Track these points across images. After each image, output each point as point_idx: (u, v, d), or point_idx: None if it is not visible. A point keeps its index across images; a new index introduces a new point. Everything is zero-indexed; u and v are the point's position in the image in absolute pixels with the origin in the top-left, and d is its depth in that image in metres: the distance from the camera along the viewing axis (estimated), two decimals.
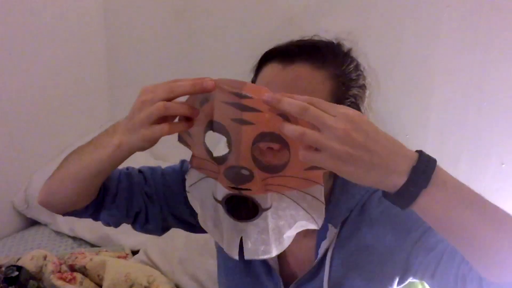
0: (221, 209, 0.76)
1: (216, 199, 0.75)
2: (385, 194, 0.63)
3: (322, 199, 0.70)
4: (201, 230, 1.00)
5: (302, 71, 0.78)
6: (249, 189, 0.70)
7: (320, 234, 0.90)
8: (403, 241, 0.83)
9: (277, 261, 0.93)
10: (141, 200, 0.91)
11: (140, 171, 0.95)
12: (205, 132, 0.71)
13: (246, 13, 1.91)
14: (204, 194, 0.78)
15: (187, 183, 0.80)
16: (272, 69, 0.81)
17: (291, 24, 1.81)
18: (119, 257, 1.76)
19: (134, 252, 1.84)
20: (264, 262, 0.93)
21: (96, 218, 0.91)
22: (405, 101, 1.61)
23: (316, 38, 0.87)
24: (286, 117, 0.63)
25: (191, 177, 0.79)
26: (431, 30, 1.54)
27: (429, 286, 0.86)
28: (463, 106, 1.52)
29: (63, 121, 2.21)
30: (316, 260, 0.89)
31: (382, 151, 0.59)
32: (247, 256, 0.78)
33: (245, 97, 0.63)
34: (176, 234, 1.69)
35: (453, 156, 1.56)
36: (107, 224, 0.91)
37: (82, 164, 0.79)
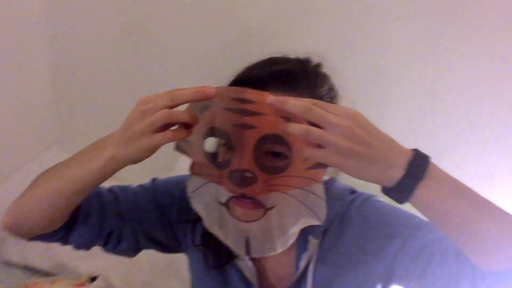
0: (225, 211, 0.78)
1: (220, 203, 0.78)
2: (384, 190, 0.67)
3: (323, 196, 0.74)
4: (174, 250, 1.00)
5: None
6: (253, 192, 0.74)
7: (300, 247, 0.89)
8: (386, 249, 0.84)
9: (257, 276, 0.91)
10: (113, 220, 0.88)
11: (110, 190, 0.92)
12: (205, 138, 0.75)
13: (201, 26, 1.90)
14: (208, 199, 0.80)
15: (189, 190, 0.81)
16: None
17: (249, 37, 1.81)
18: (77, 285, 1.68)
19: (92, 279, 1.76)
20: (243, 279, 0.92)
21: (65, 241, 0.87)
22: (358, 110, 1.65)
23: (285, 57, 0.88)
24: (289, 118, 0.67)
25: (193, 183, 0.81)
26: (382, 42, 1.59)
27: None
28: (416, 114, 1.58)
29: (6, 145, 2.08)
30: (297, 273, 0.88)
31: (382, 146, 0.64)
32: (253, 254, 0.81)
33: (248, 101, 0.68)
34: (139, 257, 1.64)
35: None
36: (78, 246, 0.88)
37: (66, 180, 0.77)
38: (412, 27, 1.55)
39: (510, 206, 0.73)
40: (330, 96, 0.86)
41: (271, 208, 0.76)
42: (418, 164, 0.64)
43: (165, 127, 0.68)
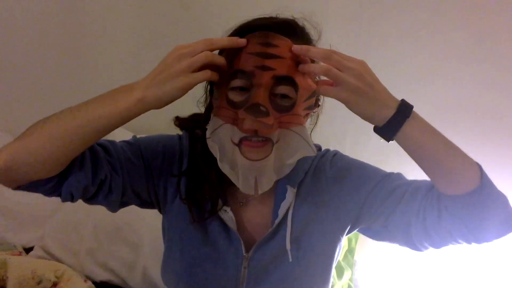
0: (237, 152, 0.86)
1: (233, 142, 0.86)
2: (376, 128, 0.83)
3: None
4: (150, 206, 1.04)
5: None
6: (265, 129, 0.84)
7: (278, 196, 0.98)
8: (357, 193, 0.98)
9: (237, 226, 0.98)
10: (106, 168, 0.89)
11: (98, 143, 0.92)
12: (229, 81, 0.86)
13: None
14: (223, 139, 0.88)
15: (208, 131, 0.89)
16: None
17: (185, 10, 1.84)
18: (14, 254, 1.62)
19: (27, 250, 1.71)
20: (224, 228, 0.98)
21: (56, 190, 0.86)
22: None
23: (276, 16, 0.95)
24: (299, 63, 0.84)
25: (212, 124, 0.88)
26: (317, 18, 1.69)
27: (377, 231, 1.01)
28: None
29: None
30: (277, 220, 0.97)
31: (381, 90, 0.82)
32: (261, 190, 0.89)
33: (272, 45, 0.83)
34: (81, 225, 1.64)
35: (340, 133, 1.75)
36: (68, 196, 0.87)
37: (87, 119, 0.79)
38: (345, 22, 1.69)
39: None
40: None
41: (277, 142, 0.86)
42: (405, 106, 0.82)
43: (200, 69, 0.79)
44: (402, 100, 0.83)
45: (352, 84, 0.79)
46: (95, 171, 0.87)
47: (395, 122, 0.81)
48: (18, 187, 0.84)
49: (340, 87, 0.80)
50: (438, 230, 0.88)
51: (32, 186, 0.84)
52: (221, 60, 0.83)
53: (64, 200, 0.88)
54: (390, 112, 0.81)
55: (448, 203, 0.85)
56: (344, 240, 1.03)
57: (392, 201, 0.94)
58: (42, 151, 0.80)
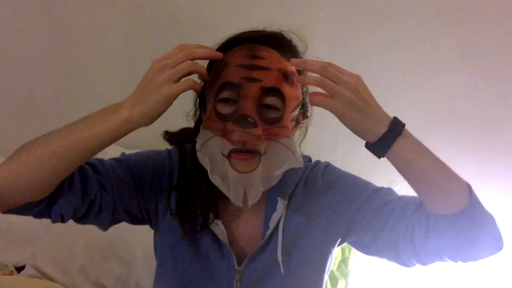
0: (227, 164, 0.87)
1: (223, 154, 0.87)
2: (367, 145, 0.83)
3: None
4: (141, 222, 1.03)
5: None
6: (256, 135, 0.84)
7: (269, 208, 0.99)
8: (348, 206, 0.98)
9: (228, 239, 0.97)
10: (96, 187, 0.89)
11: (87, 162, 0.91)
12: (217, 93, 0.87)
13: (128, 14, 1.89)
14: (213, 151, 0.88)
15: (198, 144, 0.88)
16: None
17: (173, 23, 1.85)
18: (4, 274, 1.61)
19: (18, 269, 1.69)
20: (215, 242, 0.98)
21: (46, 213, 0.85)
22: None
23: (263, 29, 0.96)
24: (287, 76, 0.86)
25: (202, 137, 0.88)
26: (306, 31, 1.71)
27: (366, 245, 1.00)
28: None
29: None
30: (268, 232, 0.97)
31: (374, 106, 0.82)
32: (250, 202, 0.89)
33: (259, 57, 0.85)
34: (73, 242, 1.62)
35: (331, 144, 1.77)
36: (58, 218, 0.86)
37: (74, 140, 0.79)
38: (334, 17, 1.71)
39: None
40: None
41: (264, 153, 0.87)
42: (397, 124, 0.82)
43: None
44: (395, 117, 0.83)
45: (347, 97, 0.79)
46: (84, 191, 0.87)
47: (387, 139, 0.81)
48: (8, 211, 0.83)
49: (335, 99, 0.80)
50: (426, 248, 0.88)
51: (21, 209, 0.83)
52: (202, 69, 0.84)
53: (54, 221, 0.87)
54: (382, 129, 0.81)
55: (436, 222, 0.85)
56: (337, 250, 1.03)
57: (381, 217, 0.94)
58: (31, 174, 0.79)
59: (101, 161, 0.94)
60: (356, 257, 1.70)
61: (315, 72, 0.81)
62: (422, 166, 0.83)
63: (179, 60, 0.79)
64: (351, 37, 1.71)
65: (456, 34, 1.60)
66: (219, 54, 0.86)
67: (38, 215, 0.86)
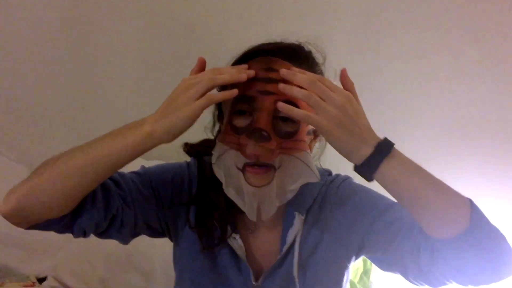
0: (241, 177, 0.86)
1: (237, 168, 0.86)
2: (355, 167, 0.79)
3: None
4: (161, 235, 1.03)
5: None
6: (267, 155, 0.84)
7: (286, 224, 0.97)
8: (360, 221, 0.95)
9: (245, 253, 0.97)
10: (118, 202, 0.89)
11: (108, 177, 0.91)
12: (232, 109, 0.86)
13: (144, 22, 1.90)
14: (228, 164, 0.87)
15: (214, 156, 0.89)
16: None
17: (192, 32, 1.86)
18: (25, 285, 1.62)
19: (40, 280, 1.71)
20: (233, 256, 0.97)
21: (69, 228, 0.86)
22: None
23: (281, 41, 0.95)
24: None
25: (218, 150, 0.88)
26: (324, 35, 1.70)
27: (380, 260, 0.98)
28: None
29: None
30: (285, 247, 0.96)
31: (362, 125, 0.78)
32: (264, 217, 0.88)
33: (272, 70, 0.84)
34: (93, 254, 1.63)
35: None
36: (81, 233, 0.87)
37: (96, 156, 0.79)
38: (353, 21, 1.70)
39: None
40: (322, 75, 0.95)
41: (279, 167, 0.85)
42: (385, 145, 0.78)
43: None
44: (385, 138, 0.79)
45: (331, 113, 0.75)
46: (107, 207, 0.87)
47: (372, 161, 0.77)
48: (30, 227, 0.84)
49: (320, 116, 0.76)
50: (433, 270, 0.81)
51: (44, 225, 0.84)
52: (223, 81, 0.81)
53: (76, 236, 0.88)
54: (368, 150, 0.77)
55: (438, 246, 0.79)
56: (358, 262, 1.01)
57: (389, 235, 0.90)
58: (54, 191, 0.79)
59: (122, 175, 0.94)
60: (378, 268, 1.67)
61: (303, 86, 0.77)
62: (411, 187, 0.77)
63: (204, 79, 0.79)
64: (369, 45, 1.69)
65: (479, 41, 1.57)
66: (242, 78, 0.82)
67: (61, 231, 0.87)
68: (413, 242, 0.84)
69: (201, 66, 0.85)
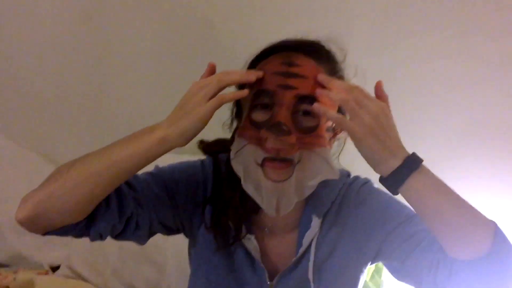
0: (260, 172, 0.85)
1: (256, 163, 0.85)
2: (381, 179, 0.80)
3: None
4: (175, 232, 1.03)
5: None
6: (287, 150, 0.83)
7: (303, 226, 0.96)
8: (378, 230, 0.94)
9: (260, 254, 0.97)
10: (132, 204, 0.89)
11: None
12: (252, 104, 0.86)
13: (163, 18, 1.90)
14: (247, 159, 0.86)
15: (232, 152, 0.88)
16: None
17: (210, 28, 1.85)
18: (40, 273, 1.64)
19: (53, 268, 1.73)
20: (248, 256, 0.97)
21: (84, 233, 0.86)
22: None
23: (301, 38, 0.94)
24: (323, 86, 0.83)
25: (236, 145, 0.88)
26: (343, 35, 1.69)
27: (396, 269, 0.96)
28: None
29: None
30: (301, 249, 0.95)
31: (393, 137, 0.78)
32: (282, 212, 0.87)
33: (293, 65, 0.84)
34: (106, 245, 1.64)
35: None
36: (97, 236, 0.87)
37: (111, 162, 0.80)
38: (373, 19, 1.67)
39: None
40: (341, 73, 0.94)
41: (298, 162, 0.84)
42: (413, 159, 0.78)
43: None
44: (413, 153, 0.79)
45: (365, 121, 0.76)
46: (121, 210, 0.87)
47: (400, 174, 0.77)
48: (46, 233, 0.84)
49: (354, 122, 0.77)
50: None
51: (59, 231, 0.84)
52: (232, 81, 0.83)
53: (93, 240, 0.88)
54: (396, 162, 0.77)
55: (458, 267, 0.78)
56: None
57: (408, 246, 0.89)
58: (69, 197, 0.80)
59: (135, 176, 0.93)
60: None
61: (340, 92, 0.79)
62: (437, 204, 0.77)
63: (213, 81, 0.80)
64: (388, 44, 1.66)
65: (501, 42, 1.55)
66: (251, 79, 0.84)
67: (77, 236, 0.87)
68: (432, 257, 0.83)
69: (211, 71, 0.85)
